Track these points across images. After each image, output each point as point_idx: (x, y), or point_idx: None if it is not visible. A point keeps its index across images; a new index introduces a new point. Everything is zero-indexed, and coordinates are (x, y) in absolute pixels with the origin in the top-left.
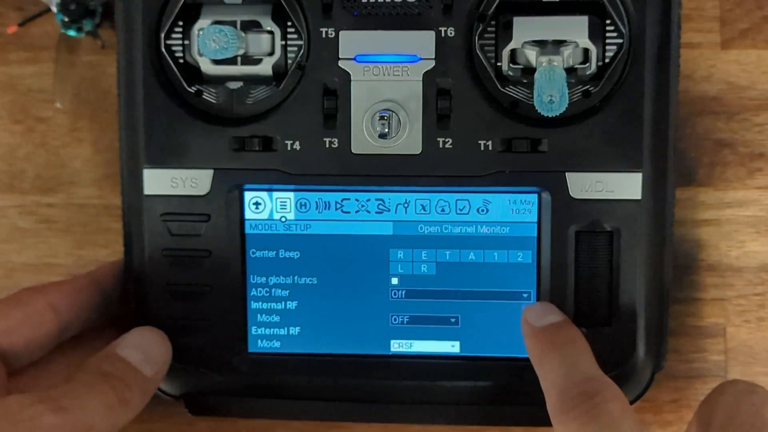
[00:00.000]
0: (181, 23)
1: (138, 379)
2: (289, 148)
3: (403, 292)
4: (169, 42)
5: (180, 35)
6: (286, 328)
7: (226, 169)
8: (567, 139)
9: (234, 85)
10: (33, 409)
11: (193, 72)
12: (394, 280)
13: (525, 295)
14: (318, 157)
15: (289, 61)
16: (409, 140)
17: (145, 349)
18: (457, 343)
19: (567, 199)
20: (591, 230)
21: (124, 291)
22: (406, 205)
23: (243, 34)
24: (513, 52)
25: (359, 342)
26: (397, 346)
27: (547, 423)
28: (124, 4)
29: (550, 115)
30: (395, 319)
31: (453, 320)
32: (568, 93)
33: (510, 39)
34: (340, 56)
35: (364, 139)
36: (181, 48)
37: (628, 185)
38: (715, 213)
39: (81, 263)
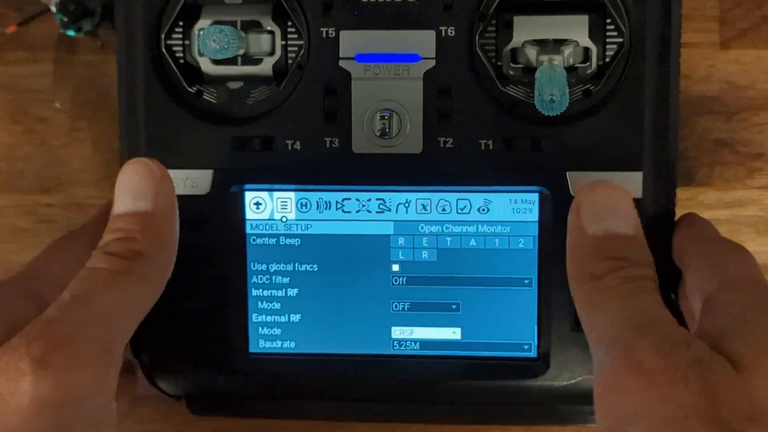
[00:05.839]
0: (181, 23)
1: (138, 222)
2: (289, 148)
3: (404, 279)
4: (169, 42)
5: (180, 35)
6: (287, 317)
7: (226, 169)
8: (568, 138)
9: (234, 85)
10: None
11: (193, 72)
12: (395, 267)
13: (526, 281)
14: (319, 156)
15: (290, 61)
16: (409, 140)
17: (129, 191)
18: (458, 330)
19: (568, 198)
20: None
21: None
22: (406, 204)
23: (243, 34)
24: (513, 51)
25: (361, 329)
26: (398, 333)
27: (547, 422)
28: (125, 4)
29: (550, 114)
30: (396, 306)
31: (454, 307)
32: (569, 92)
33: (510, 38)
34: (340, 56)
35: (364, 139)
36: (181, 48)
37: (628, 185)
38: (714, 213)
39: None
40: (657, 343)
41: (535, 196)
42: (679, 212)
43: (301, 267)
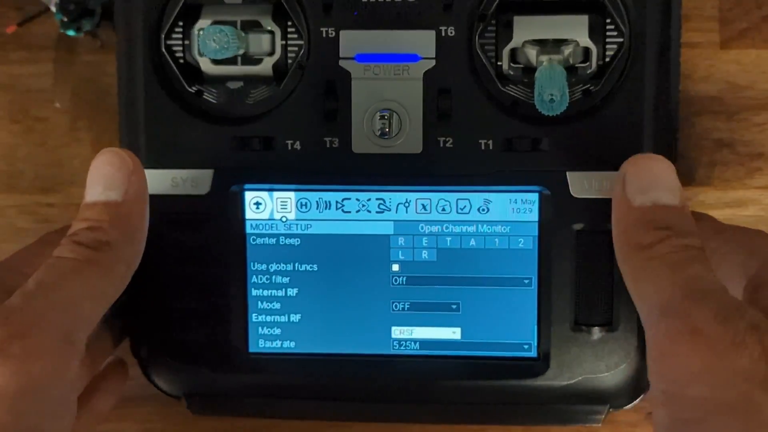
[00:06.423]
0: (181, 23)
1: (107, 212)
2: (289, 148)
3: (404, 279)
4: (169, 42)
5: (180, 35)
6: (287, 317)
7: (226, 168)
8: (568, 138)
9: (234, 84)
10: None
11: (193, 72)
12: (395, 267)
13: (526, 281)
14: (318, 156)
15: (290, 61)
16: (409, 139)
17: (100, 180)
18: (458, 330)
19: (568, 198)
20: (592, 230)
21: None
22: (406, 204)
23: (243, 34)
24: (513, 51)
25: (361, 329)
26: (398, 333)
27: (547, 422)
28: (125, 4)
29: (550, 114)
30: (396, 306)
31: (454, 307)
32: (569, 92)
33: (510, 38)
34: (340, 56)
35: (364, 139)
36: (181, 48)
37: None
38: (714, 213)
39: None
40: (714, 310)
41: (535, 196)
42: None
43: (301, 267)
